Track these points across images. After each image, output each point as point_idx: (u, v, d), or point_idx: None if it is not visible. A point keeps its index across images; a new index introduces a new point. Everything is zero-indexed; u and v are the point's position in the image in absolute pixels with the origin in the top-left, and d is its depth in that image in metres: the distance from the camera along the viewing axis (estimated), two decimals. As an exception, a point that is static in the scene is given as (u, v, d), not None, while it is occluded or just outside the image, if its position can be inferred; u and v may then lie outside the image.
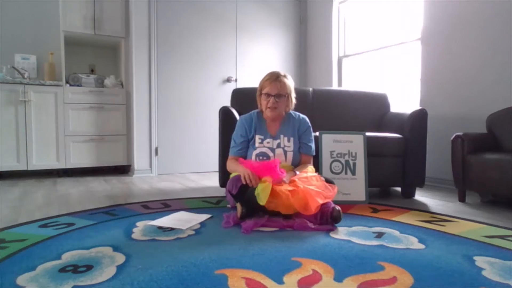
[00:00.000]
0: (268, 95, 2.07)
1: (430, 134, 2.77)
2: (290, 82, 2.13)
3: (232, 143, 2.21)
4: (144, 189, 3.01)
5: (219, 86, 4.20)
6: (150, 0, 3.78)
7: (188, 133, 4.04)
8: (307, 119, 2.25)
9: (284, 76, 2.11)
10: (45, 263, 1.29)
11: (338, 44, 4.37)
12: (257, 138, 2.14)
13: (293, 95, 2.16)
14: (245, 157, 2.14)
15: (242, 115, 2.26)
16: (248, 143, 2.17)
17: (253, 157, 2.11)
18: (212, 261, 1.31)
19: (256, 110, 2.23)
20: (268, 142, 2.13)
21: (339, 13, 4.36)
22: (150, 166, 3.86)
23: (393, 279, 1.17)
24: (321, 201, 1.77)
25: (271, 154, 2.08)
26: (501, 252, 1.45)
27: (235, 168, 2.07)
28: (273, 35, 4.52)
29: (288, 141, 2.15)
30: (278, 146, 2.13)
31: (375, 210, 2.20)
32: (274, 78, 2.07)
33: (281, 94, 2.07)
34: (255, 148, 2.12)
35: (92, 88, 3.76)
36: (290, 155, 2.12)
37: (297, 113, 2.26)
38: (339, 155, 2.43)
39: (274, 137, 2.14)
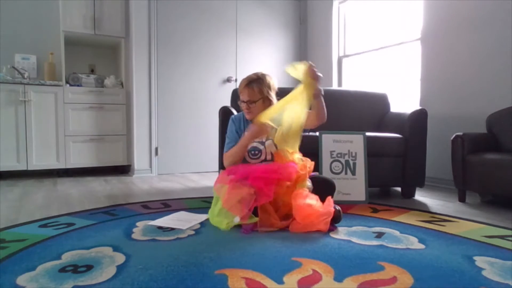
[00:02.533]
0: (242, 101, 2.08)
1: (430, 134, 2.77)
2: (265, 85, 2.06)
3: (227, 140, 2.21)
4: (144, 189, 3.01)
5: (219, 86, 4.20)
6: (150, 0, 3.78)
7: (188, 133, 4.04)
8: None
9: (257, 79, 2.05)
10: (45, 263, 1.29)
11: (338, 44, 4.37)
12: None
13: (273, 95, 2.09)
14: None
15: (233, 115, 2.27)
16: None
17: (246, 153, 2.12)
18: (212, 261, 1.31)
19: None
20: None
21: (339, 13, 4.36)
22: (150, 166, 3.86)
23: (393, 279, 1.17)
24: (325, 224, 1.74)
25: (261, 147, 2.08)
26: (501, 252, 1.45)
27: (235, 149, 2.07)
28: (273, 35, 4.52)
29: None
30: (268, 138, 2.12)
31: (375, 210, 2.20)
32: (243, 85, 2.06)
33: (252, 100, 2.04)
34: None
35: (92, 88, 3.76)
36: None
37: None
38: (339, 155, 2.43)
39: None
